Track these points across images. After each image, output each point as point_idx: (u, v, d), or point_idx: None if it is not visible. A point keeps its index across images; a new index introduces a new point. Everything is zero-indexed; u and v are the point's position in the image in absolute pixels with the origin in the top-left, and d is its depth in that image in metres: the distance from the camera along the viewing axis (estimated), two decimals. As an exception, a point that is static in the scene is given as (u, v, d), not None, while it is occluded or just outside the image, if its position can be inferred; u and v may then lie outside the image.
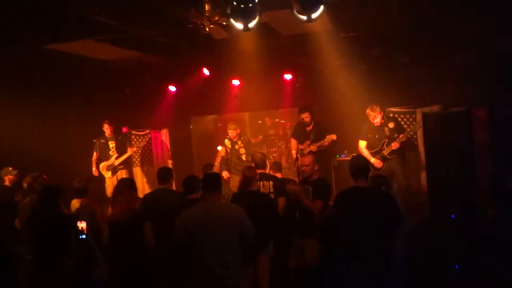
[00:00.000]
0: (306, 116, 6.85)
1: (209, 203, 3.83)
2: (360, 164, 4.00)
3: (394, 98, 7.51)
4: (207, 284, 3.68)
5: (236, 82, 8.55)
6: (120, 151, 7.84)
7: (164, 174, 5.14)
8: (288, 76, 8.20)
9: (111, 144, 7.83)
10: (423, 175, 6.50)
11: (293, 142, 7.20)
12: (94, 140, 7.94)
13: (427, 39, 6.81)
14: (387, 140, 6.40)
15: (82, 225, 2.96)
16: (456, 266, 4.57)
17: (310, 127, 6.92)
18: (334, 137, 6.60)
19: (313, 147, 6.71)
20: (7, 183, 6.12)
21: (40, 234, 2.83)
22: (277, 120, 9.42)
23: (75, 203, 5.07)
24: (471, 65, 6.47)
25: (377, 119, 6.40)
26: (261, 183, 5.10)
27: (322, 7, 4.30)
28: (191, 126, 9.59)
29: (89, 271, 2.92)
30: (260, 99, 8.49)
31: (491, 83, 6.18)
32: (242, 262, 3.78)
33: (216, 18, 4.71)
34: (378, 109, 6.39)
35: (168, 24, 5.92)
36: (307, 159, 4.97)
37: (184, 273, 3.88)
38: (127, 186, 4.94)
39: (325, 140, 6.65)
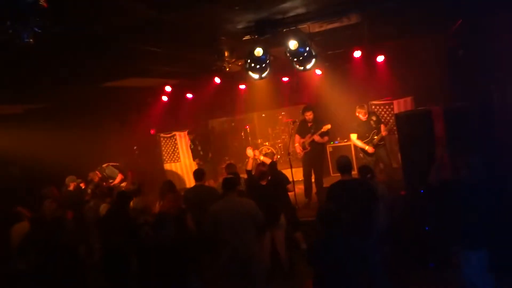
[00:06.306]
0: (309, 114, 8.05)
1: (228, 200, 5.00)
2: (343, 162, 4.94)
3: (374, 93, 9.05)
4: (232, 258, 4.83)
5: (242, 86, 9.90)
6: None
7: (199, 174, 6.49)
8: (285, 79, 9.52)
9: None
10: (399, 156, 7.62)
11: (297, 137, 8.32)
12: None
13: (400, 43, 8.22)
14: (375, 130, 7.81)
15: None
16: (426, 228, 5.80)
17: (311, 123, 8.14)
18: (329, 126, 7.95)
19: (316, 137, 7.98)
20: (71, 188, 7.67)
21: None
22: (279, 117, 10.82)
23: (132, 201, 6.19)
24: (434, 66, 7.94)
25: (362, 115, 7.79)
26: None
27: (314, 60, 5.40)
28: (210, 126, 10.85)
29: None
30: (265, 100, 9.80)
31: (449, 82, 7.61)
32: (256, 237, 5.02)
33: (233, 61, 5.82)
34: (365, 107, 7.82)
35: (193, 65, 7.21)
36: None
37: (215, 252, 5.04)
38: (171, 188, 6.44)
39: (323, 129, 7.90)
